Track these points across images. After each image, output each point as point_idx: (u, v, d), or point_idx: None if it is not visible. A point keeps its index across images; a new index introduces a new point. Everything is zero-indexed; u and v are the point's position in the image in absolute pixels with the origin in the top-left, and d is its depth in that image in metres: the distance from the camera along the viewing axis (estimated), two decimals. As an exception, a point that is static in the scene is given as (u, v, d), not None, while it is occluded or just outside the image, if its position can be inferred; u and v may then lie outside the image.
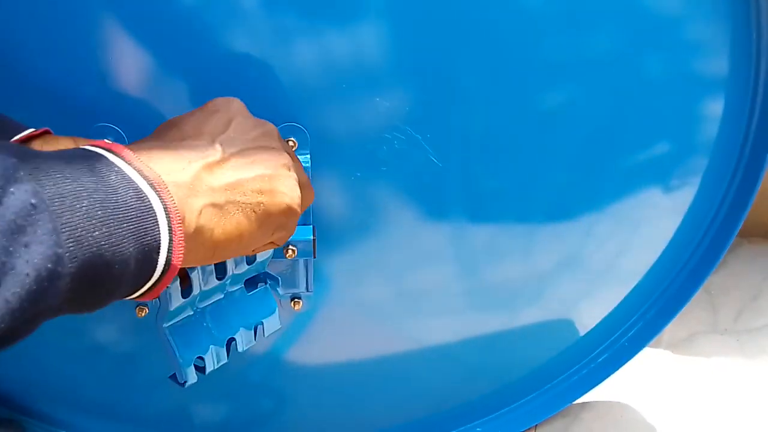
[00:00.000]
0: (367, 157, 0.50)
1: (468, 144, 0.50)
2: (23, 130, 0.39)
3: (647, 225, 0.56)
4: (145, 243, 0.30)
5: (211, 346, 0.44)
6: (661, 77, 0.50)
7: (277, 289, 0.53)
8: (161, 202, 0.31)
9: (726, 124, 0.52)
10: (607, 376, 0.63)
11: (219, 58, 0.45)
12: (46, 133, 0.40)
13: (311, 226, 0.50)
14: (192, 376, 0.43)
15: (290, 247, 0.49)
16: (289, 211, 0.39)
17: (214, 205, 0.34)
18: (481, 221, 0.54)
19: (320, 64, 0.46)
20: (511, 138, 0.51)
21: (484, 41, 0.47)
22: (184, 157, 0.34)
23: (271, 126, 0.41)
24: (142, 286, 0.32)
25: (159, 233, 0.30)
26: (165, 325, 0.42)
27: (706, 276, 0.58)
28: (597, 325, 0.61)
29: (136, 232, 0.29)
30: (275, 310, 0.47)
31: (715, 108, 0.52)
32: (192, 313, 0.44)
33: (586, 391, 0.64)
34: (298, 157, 0.46)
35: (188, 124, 0.37)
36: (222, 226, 0.35)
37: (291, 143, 0.48)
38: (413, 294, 0.56)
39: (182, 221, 0.32)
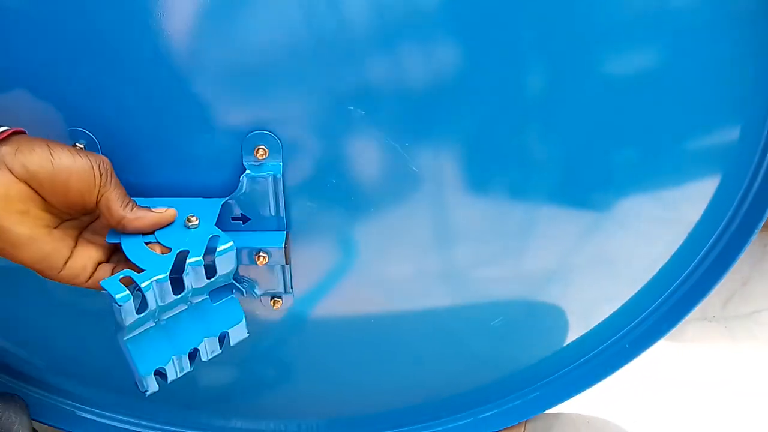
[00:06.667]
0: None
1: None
2: None
3: (660, 236, 0.55)
4: None
5: (172, 357, 0.44)
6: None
7: (255, 290, 0.53)
8: None
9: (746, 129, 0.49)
10: (605, 376, 0.62)
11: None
12: (19, 132, 0.40)
13: (285, 232, 0.48)
14: (153, 386, 0.44)
15: (261, 253, 0.48)
16: None
17: None
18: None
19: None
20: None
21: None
22: None
23: None
24: None
25: None
26: (124, 338, 0.43)
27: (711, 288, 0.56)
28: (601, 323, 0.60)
29: None
30: (242, 320, 0.47)
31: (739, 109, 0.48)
32: (153, 324, 0.44)
33: (584, 389, 0.63)
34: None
35: None
36: None
37: (261, 152, 0.46)
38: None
39: None
